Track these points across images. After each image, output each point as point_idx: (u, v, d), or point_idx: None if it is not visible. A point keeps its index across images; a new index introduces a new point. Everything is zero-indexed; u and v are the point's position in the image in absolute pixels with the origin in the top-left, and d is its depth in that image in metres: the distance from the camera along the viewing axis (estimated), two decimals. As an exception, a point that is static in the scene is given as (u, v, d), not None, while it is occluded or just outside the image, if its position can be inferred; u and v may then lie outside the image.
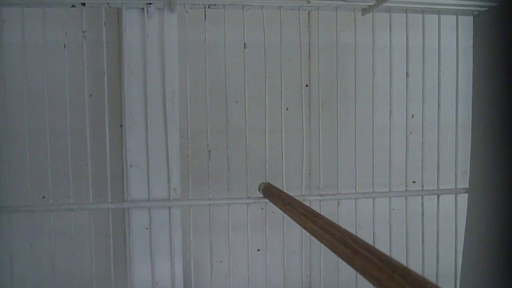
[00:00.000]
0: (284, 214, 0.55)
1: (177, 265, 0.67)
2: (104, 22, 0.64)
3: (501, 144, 0.64)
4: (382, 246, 0.46)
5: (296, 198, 0.59)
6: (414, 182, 0.75)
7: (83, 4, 0.62)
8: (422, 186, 0.71)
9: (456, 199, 0.71)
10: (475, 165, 0.70)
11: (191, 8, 0.65)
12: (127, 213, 0.67)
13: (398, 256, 0.35)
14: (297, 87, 0.73)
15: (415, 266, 0.40)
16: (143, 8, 0.64)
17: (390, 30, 0.68)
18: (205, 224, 0.68)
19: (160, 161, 0.66)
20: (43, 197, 0.70)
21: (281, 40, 0.66)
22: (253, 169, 0.67)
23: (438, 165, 0.70)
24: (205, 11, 0.66)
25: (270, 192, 0.60)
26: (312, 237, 0.45)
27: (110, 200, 0.65)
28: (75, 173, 0.65)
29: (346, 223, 0.47)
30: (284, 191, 0.60)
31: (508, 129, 0.62)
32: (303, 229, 0.48)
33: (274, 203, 0.58)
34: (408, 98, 0.70)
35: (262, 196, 0.64)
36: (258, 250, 0.78)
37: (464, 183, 0.72)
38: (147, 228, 0.67)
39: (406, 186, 0.71)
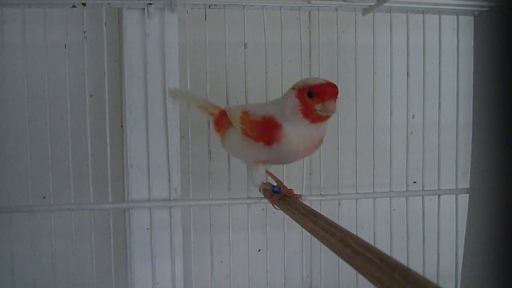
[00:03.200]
0: (285, 214, 0.55)
1: (178, 265, 0.67)
2: (105, 22, 0.64)
3: (502, 144, 0.64)
4: (382, 246, 0.46)
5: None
6: (415, 182, 0.75)
7: (84, 4, 0.63)
8: (423, 186, 0.71)
9: (457, 199, 0.71)
10: (476, 165, 0.70)
11: (192, 8, 0.65)
12: (127, 213, 0.67)
13: (399, 256, 0.35)
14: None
15: (415, 266, 0.40)
16: (144, 8, 0.64)
17: (390, 30, 0.68)
18: (206, 224, 0.68)
19: (161, 161, 0.67)
20: (44, 197, 0.70)
21: (282, 40, 0.66)
22: (254, 169, 0.67)
23: (438, 165, 0.70)
24: (205, 11, 0.66)
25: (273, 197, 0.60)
26: (313, 237, 0.45)
27: (110, 200, 0.65)
28: (76, 173, 0.65)
29: (346, 223, 0.47)
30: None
31: (509, 129, 0.62)
32: (304, 229, 0.48)
33: (274, 203, 0.59)
34: (408, 98, 0.70)
35: (263, 196, 0.64)
36: (259, 250, 0.78)
37: (465, 183, 0.72)
38: (147, 228, 0.67)
39: (407, 186, 0.71)
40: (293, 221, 0.51)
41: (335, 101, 0.50)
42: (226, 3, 0.65)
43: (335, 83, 0.50)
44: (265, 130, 0.52)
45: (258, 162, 0.56)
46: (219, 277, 0.80)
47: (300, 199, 0.56)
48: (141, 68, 0.65)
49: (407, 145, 0.70)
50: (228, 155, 0.66)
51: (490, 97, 0.67)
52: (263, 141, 0.52)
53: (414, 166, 0.70)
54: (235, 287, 0.69)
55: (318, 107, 0.50)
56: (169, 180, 0.67)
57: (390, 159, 0.69)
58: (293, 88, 0.52)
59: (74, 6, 0.63)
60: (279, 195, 0.57)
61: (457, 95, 0.70)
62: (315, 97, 0.50)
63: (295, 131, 0.52)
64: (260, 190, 0.63)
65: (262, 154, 0.54)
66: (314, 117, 0.51)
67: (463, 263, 0.71)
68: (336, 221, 0.44)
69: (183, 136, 0.69)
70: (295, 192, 0.58)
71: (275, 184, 0.60)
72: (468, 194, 0.72)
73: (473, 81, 0.70)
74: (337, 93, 0.50)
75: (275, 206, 0.58)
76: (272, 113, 0.53)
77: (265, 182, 0.59)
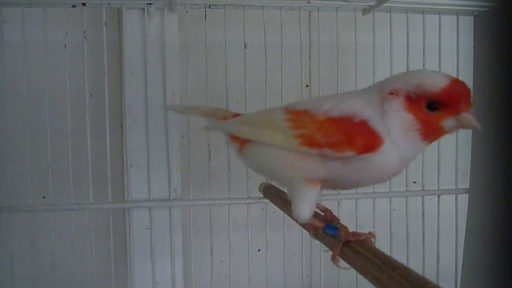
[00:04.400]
0: (285, 214, 0.55)
1: (178, 265, 0.67)
2: (105, 22, 0.64)
3: (502, 144, 0.64)
4: (382, 246, 0.46)
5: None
6: (414, 182, 0.75)
7: (84, 4, 0.63)
8: (423, 186, 0.71)
9: (456, 199, 0.71)
10: (475, 165, 0.70)
11: (192, 8, 0.65)
12: (127, 213, 0.67)
13: (399, 256, 0.35)
14: (297, 87, 0.73)
15: (415, 266, 0.40)
16: (144, 8, 0.64)
17: (390, 30, 0.68)
18: (206, 224, 0.68)
19: (161, 161, 0.66)
20: (44, 197, 0.70)
21: (282, 40, 0.66)
22: (254, 169, 0.67)
23: (438, 165, 0.70)
24: (205, 11, 0.66)
25: (271, 192, 0.60)
26: (313, 237, 0.45)
27: (110, 200, 0.65)
28: (76, 173, 0.65)
29: (346, 223, 0.47)
30: (285, 191, 0.60)
31: (508, 129, 0.62)
32: (304, 229, 0.48)
33: (274, 203, 0.58)
34: (408, 98, 0.70)
35: (263, 196, 0.64)
36: (259, 250, 0.78)
37: (464, 183, 0.72)
38: (147, 228, 0.67)
39: (407, 186, 0.71)
40: (293, 221, 0.51)
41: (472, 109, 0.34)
42: (226, 3, 0.65)
43: (465, 82, 0.36)
44: (356, 133, 0.35)
45: (312, 181, 0.38)
46: (219, 277, 0.80)
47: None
48: (141, 68, 0.65)
49: (406, 145, 0.70)
50: (228, 155, 0.66)
51: (489, 97, 0.67)
52: (353, 147, 0.35)
53: (413, 166, 0.70)
54: (234, 287, 0.69)
55: (449, 123, 0.34)
56: (169, 180, 0.67)
57: (390, 159, 0.69)
58: (393, 94, 0.35)
59: (74, 6, 0.63)
60: (339, 241, 0.37)
61: (457, 95, 0.70)
62: (442, 109, 0.34)
63: (397, 152, 0.36)
64: (260, 190, 0.63)
65: (324, 169, 0.37)
66: (439, 135, 0.36)
67: (462, 263, 0.71)
68: (336, 221, 0.44)
69: (182, 136, 0.69)
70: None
71: (276, 185, 0.60)
72: (467, 194, 0.72)
73: (472, 81, 0.70)
74: (471, 95, 0.35)
75: (338, 264, 0.37)
76: (367, 116, 0.36)
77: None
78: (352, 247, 0.35)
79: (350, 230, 0.38)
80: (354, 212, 0.69)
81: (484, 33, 0.68)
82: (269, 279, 0.69)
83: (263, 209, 0.75)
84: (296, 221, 0.40)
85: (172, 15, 0.66)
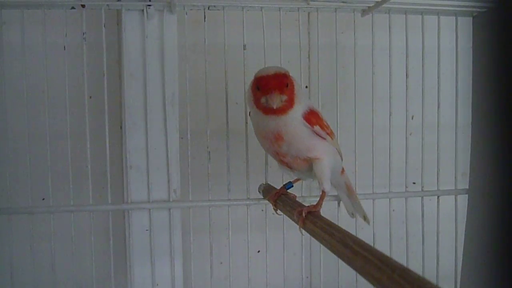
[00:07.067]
0: (284, 215, 0.55)
1: (177, 267, 0.67)
2: (104, 24, 0.64)
3: (501, 144, 0.64)
4: (382, 247, 0.46)
5: (296, 199, 0.59)
6: (414, 183, 0.75)
7: (83, 6, 0.63)
8: (422, 187, 0.71)
9: (456, 200, 0.71)
10: (475, 166, 0.70)
11: (191, 9, 0.65)
12: (127, 214, 0.67)
13: (398, 257, 0.35)
14: (296, 88, 0.73)
15: (415, 267, 0.40)
16: (143, 10, 0.64)
17: (389, 31, 0.69)
18: (205, 225, 0.68)
19: (160, 162, 0.66)
20: (43, 198, 0.70)
21: (281, 42, 0.66)
22: (253, 170, 0.67)
23: (438, 166, 0.70)
24: (204, 12, 0.66)
25: (270, 193, 0.60)
26: (313, 238, 0.45)
27: (110, 202, 0.65)
28: (75, 174, 0.65)
29: (346, 224, 0.48)
30: (284, 192, 0.60)
31: (508, 129, 0.62)
32: (303, 230, 0.48)
33: (274, 204, 0.59)
34: (407, 99, 0.70)
35: (262, 197, 0.64)
36: (258, 251, 0.78)
37: (464, 184, 0.72)
38: (147, 230, 0.66)
39: (406, 187, 0.71)
40: (293, 222, 0.51)
41: (279, 94, 0.48)
42: (225, 4, 0.65)
43: (284, 74, 0.50)
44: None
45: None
46: (219, 278, 0.79)
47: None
48: (140, 70, 0.65)
49: (406, 146, 0.70)
50: (227, 156, 0.66)
51: (489, 97, 0.67)
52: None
53: (413, 167, 0.70)
54: (234, 288, 0.69)
55: (263, 99, 0.49)
56: (169, 181, 0.67)
57: (390, 160, 0.69)
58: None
59: (73, 8, 0.63)
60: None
61: (456, 96, 0.70)
62: (261, 90, 0.49)
63: (256, 119, 0.53)
64: (259, 191, 0.63)
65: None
66: (264, 109, 0.50)
67: (462, 264, 0.71)
68: (335, 222, 0.44)
69: (182, 137, 0.69)
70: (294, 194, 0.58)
71: (276, 186, 0.60)
72: (467, 195, 0.72)
73: (471, 82, 0.70)
74: (281, 85, 0.48)
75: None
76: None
77: None
78: (351, 247, 0.35)
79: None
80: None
81: (483, 33, 0.69)
82: (268, 280, 0.69)
83: (262, 210, 0.75)
84: None
85: (171, 16, 0.66)
